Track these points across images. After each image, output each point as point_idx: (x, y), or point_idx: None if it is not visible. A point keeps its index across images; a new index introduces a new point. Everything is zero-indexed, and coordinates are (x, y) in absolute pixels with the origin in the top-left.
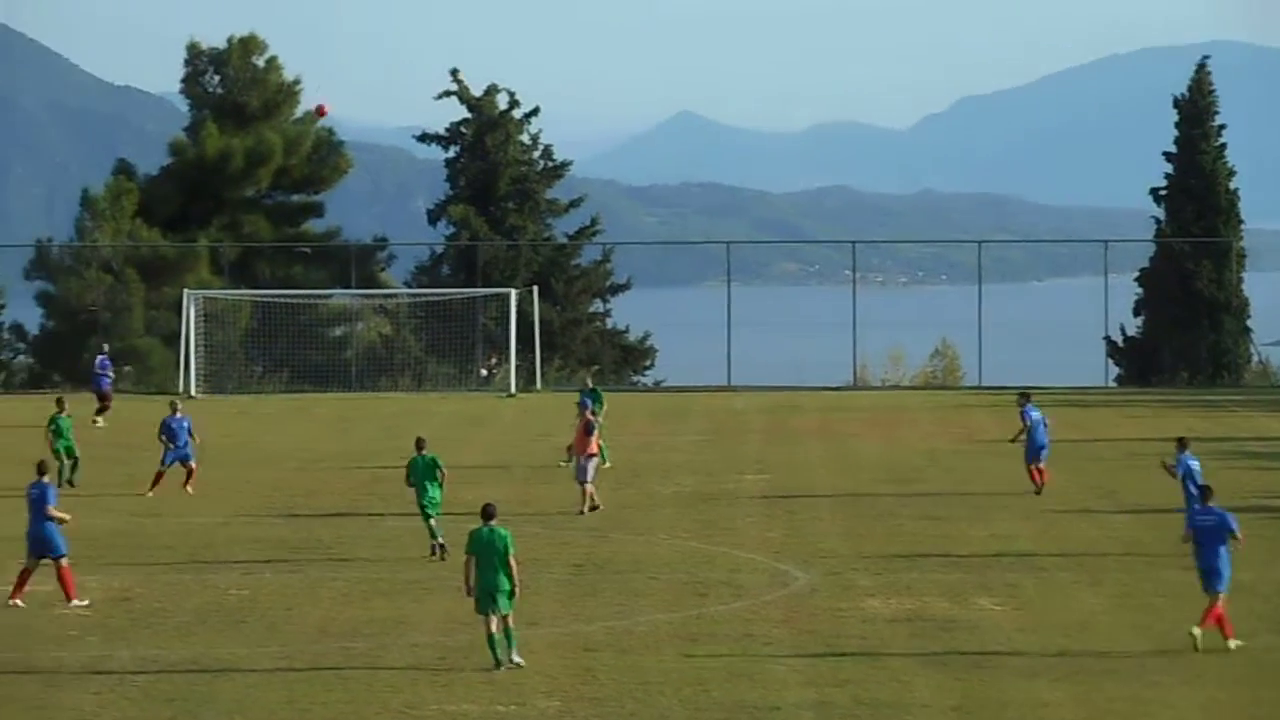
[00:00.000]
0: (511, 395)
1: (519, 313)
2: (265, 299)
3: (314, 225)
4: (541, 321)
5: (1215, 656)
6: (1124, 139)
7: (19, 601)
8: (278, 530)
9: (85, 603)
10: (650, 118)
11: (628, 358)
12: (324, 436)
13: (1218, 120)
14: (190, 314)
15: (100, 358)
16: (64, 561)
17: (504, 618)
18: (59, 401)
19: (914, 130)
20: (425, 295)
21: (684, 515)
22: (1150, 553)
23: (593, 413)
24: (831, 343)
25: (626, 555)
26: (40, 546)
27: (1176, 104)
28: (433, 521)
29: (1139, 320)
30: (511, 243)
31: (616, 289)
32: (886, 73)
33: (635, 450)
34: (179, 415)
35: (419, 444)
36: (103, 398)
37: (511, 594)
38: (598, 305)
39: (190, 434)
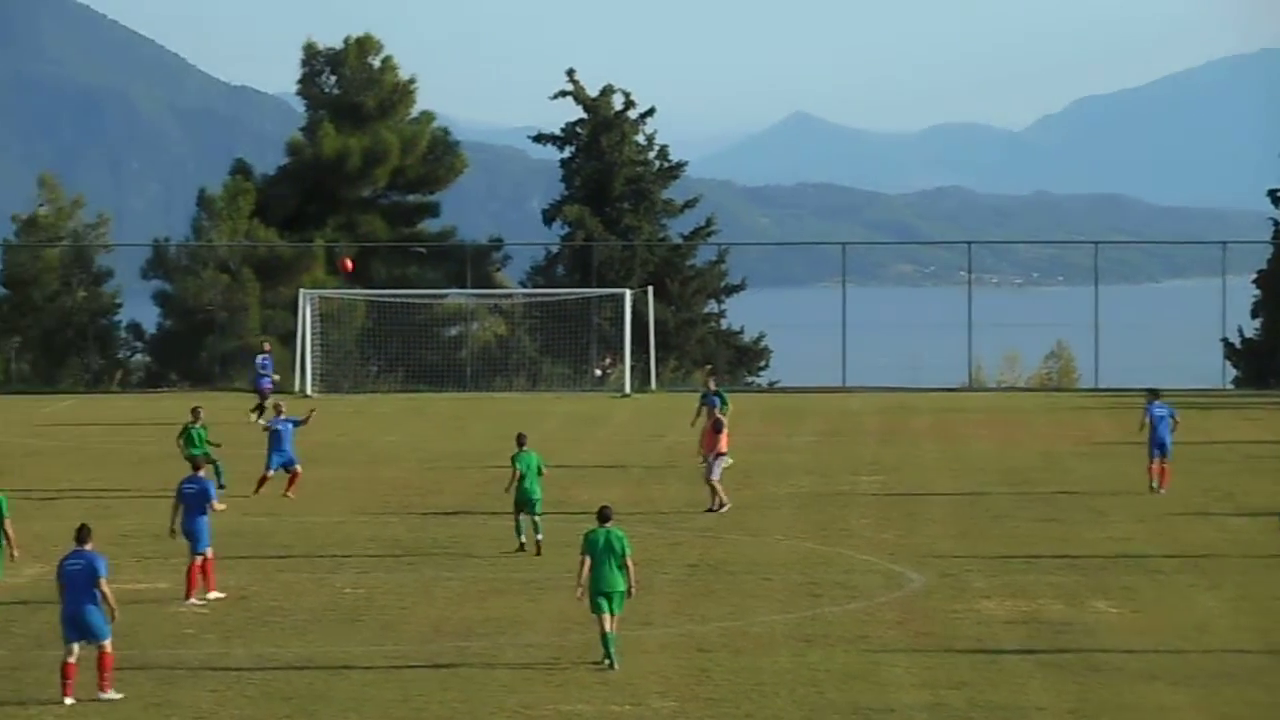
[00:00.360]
0: (626, 395)
1: (633, 313)
2: (381, 299)
3: (429, 225)
4: (656, 322)
5: None
6: (1242, 140)
7: (198, 600)
8: (393, 529)
9: (208, 597)
10: (765, 118)
11: (742, 358)
12: (439, 436)
13: None
14: (306, 313)
15: (261, 357)
16: (200, 560)
17: (609, 619)
18: (194, 411)
19: (1030, 130)
20: (540, 295)
21: (799, 516)
22: (1268, 555)
23: (721, 413)
24: (946, 344)
25: (741, 556)
26: (194, 540)
27: None
28: (532, 517)
29: (1257, 322)
30: (626, 243)
31: (731, 289)
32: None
33: (750, 451)
34: (283, 418)
35: (520, 440)
36: (262, 396)
37: (626, 595)
38: (712, 306)
39: (299, 423)
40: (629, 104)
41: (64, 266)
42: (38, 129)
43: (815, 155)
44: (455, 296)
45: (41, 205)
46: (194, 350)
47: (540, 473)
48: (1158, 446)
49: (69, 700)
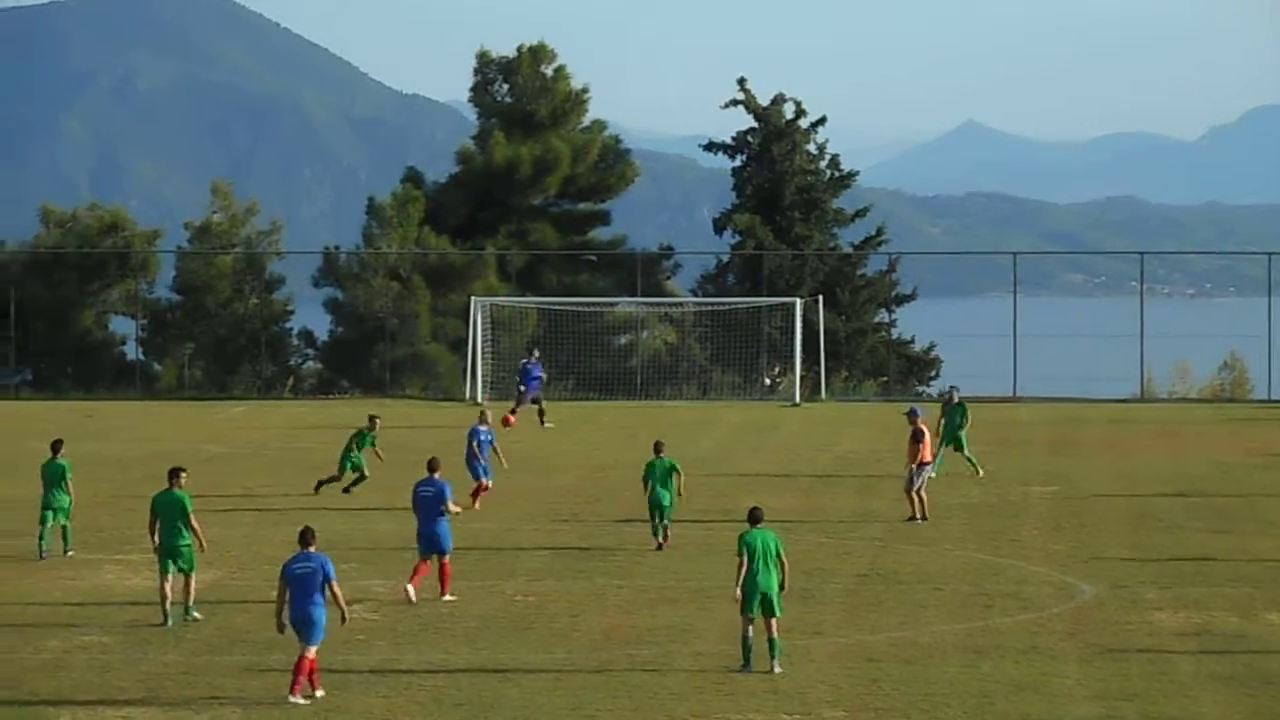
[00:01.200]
0: (796, 405)
1: (804, 322)
2: (551, 306)
3: (600, 233)
4: (826, 331)
5: None
6: None
7: (411, 589)
8: (563, 537)
9: (453, 598)
10: (936, 127)
11: (913, 368)
12: (609, 444)
13: None
14: (477, 321)
15: (526, 361)
16: (448, 559)
17: (771, 622)
18: (371, 419)
19: (1202, 141)
20: (710, 304)
21: (969, 526)
22: None
23: (927, 423)
24: (1117, 355)
25: (911, 566)
26: (432, 544)
27: None
28: (663, 521)
29: None
30: (797, 252)
31: (902, 299)
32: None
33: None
34: (485, 427)
35: (657, 447)
36: (520, 400)
37: (782, 590)
38: (883, 315)
39: (492, 446)
40: (800, 113)
41: (236, 273)
42: (211, 137)
43: (986, 164)
44: (625, 305)
45: (215, 212)
46: (365, 357)
47: (671, 476)
48: None
49: (320, 692)
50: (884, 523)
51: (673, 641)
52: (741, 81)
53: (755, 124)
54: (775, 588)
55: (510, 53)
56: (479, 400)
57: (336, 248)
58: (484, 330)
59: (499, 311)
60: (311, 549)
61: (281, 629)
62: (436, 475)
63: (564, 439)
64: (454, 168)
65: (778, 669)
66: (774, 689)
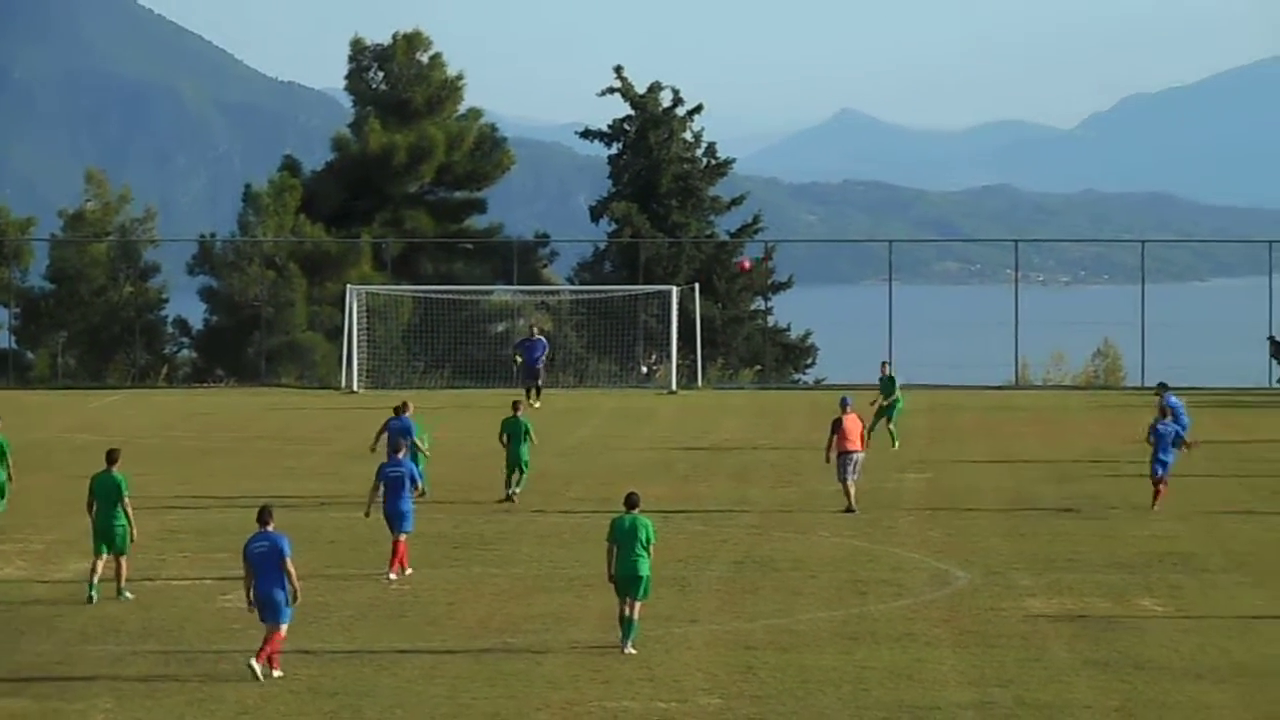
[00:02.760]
0: (672, 393)
1: (680, 310)
2: (427, 294)
3: (476, 221)
4: (703, 319)
5: None
6: None
7: (394, 576)
8: (439, 525)
9: (407, 572)
10: (813, 115)
11: (789, 356)
12: (486, 432)
13: None
14: (353, 309)
15: (528, 340)
16: (404, 539)
17: (635, 605)
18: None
19: (1078, 129)
20: (587, 292)
21: (845, 514)
22: None
23: (857, 414)
24: (993, 342)
25: (788, 553)
26: (392, 522)
27: None
28: (522, 476)
29: None
30: (673, 240)
31: (778, 287)
32: (1051, 72)
33: (796, 449)
34: (406, 416)
35: (515, 406)
36: (534, 377)
37: (647, 582)
38: (759, 303)
39: (412, 438)
40: (677, 101)
41: (111, 261)
42: (84, 124)
43: (862, 152)
44: (501, 292)
45: (88, 200)
46: (240, 346)
47: (527, 436)
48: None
49: (278, 673)
50: (760, 510)
51: (548, 630)
52: (618, 69)
53: (632, 112)
54: (643, 571)
55: (385, 40)
56: (355, 388)
57: (212, 235)
58: (360, 318)
59: (375, 300)
60: (269, 528)
61: (251, 608)
62: (402, 455)
63: (440, 427)
64: (330, 155)
65: (630, 649)
66: (650, 676)
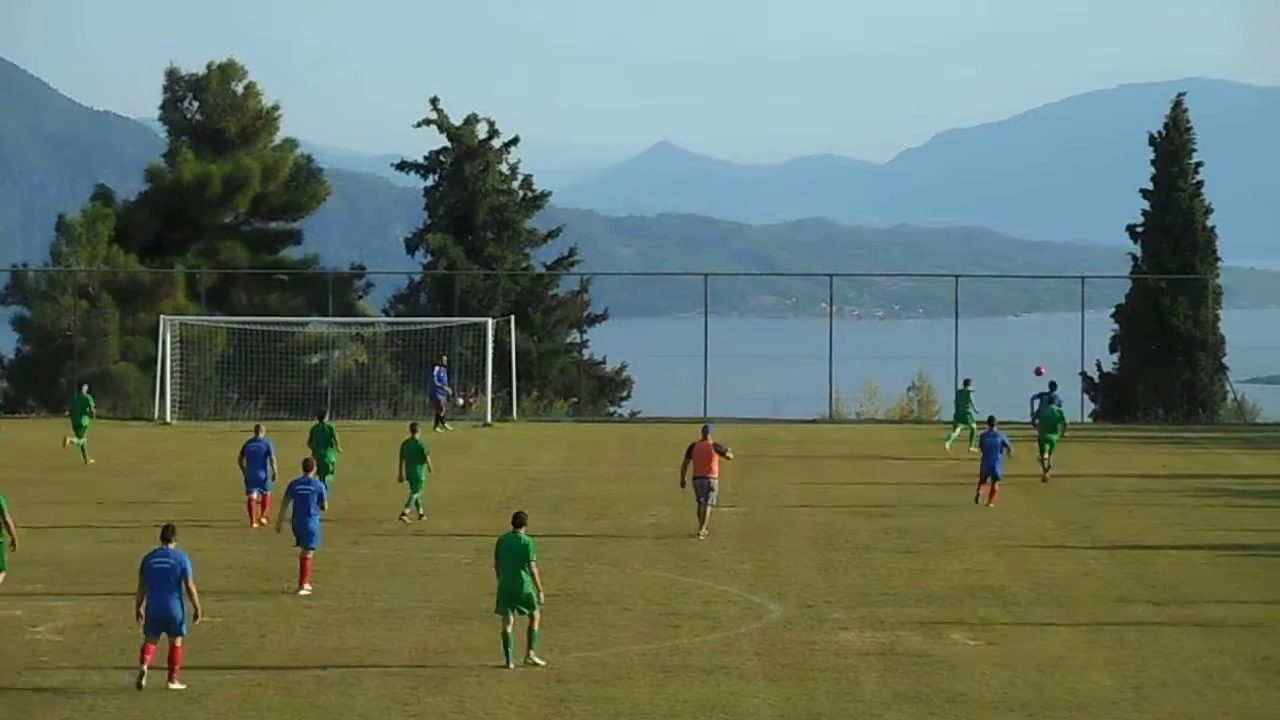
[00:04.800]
0: (487, 425)
1: (496, 342)
2: (241, 325)
3: (291, 252)
4: (518, 351)
5: (1192, 693)
6: (1103, 175)
7: (305, 590)
8: (252, 557)
9: (308, 590)
10: (629, 149)
11: (604, 388)
12: (298, 464)
13: (1195, 157)
14: (166, 340)
15: (438, 369)
16: (311, 554)
17: (529, 618)
18: (412, 427)
19: (893, 164)
20: (402, 324)
21: (659, 547)
22: (1124, 588)
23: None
24: (807, 376)
25: (601, 586)
26: (300, 539)
27: (1153, 141)
28: (417, 496)
29: (1115, 357)
30: (489, 272)
31: (594, 319)
32: (865, 107)
33: (610, 482)
34: (263, 438)
35: (413, 428)
36: (438, 407)
37: (534, 596)
38: (575, 336)
39: (272, 457)
40: (493, 133)
41: None
42: None
43: (679, 186)
44: (316, 324)
45: None
46: (53, 376)
47: (423, 458)
48: (989, 473)
49: (178, 685)
50: (575, 542)
51: (360, 662)
52: (434, 101)
53: (448, 144)
54: (527, 588)
55: (200, 70)
56: (168, 419)
57: (24, 265)
58: (173, 349)
59: (188, 331)
60: (171, 545)
61: (140, 619)
62: (312, 475)
63: None
64: (144, 185)
65: (536, 659)
66: (462, 709)
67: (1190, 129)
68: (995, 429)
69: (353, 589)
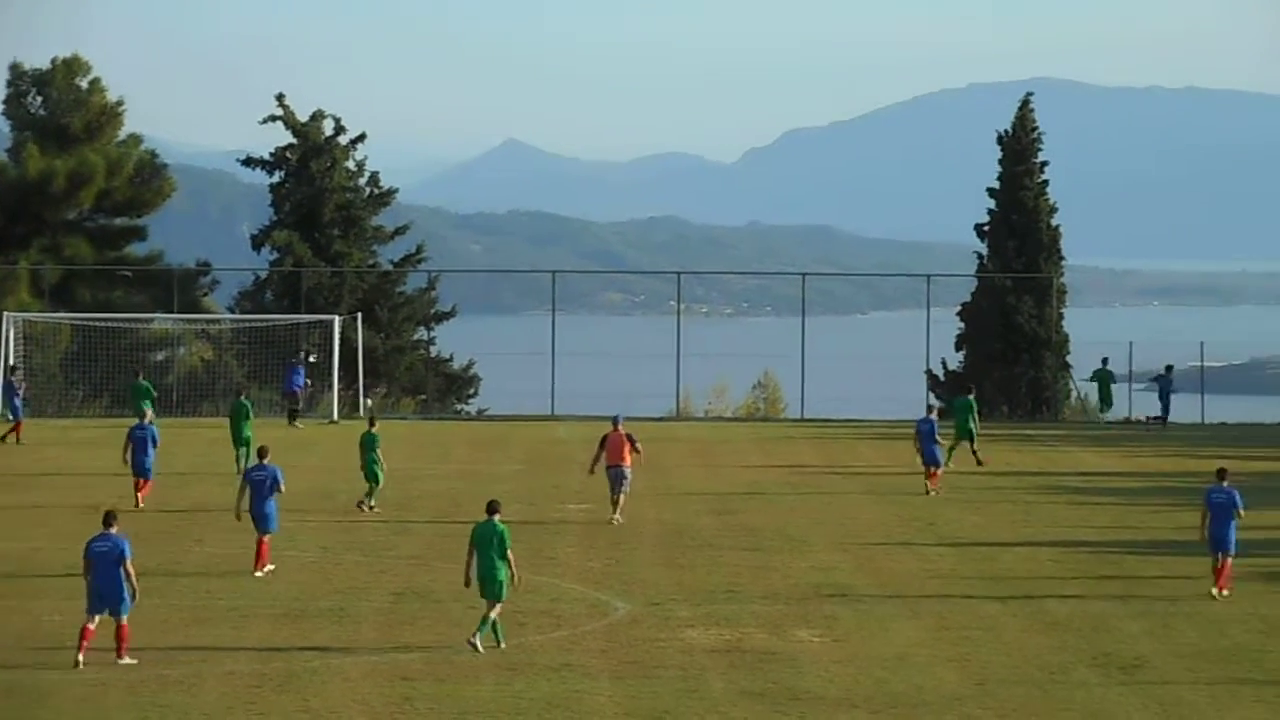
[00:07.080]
0: (334, 422)
1: (342, 340)
2: (86, 322)
3: (136, 249)
4: (365, 349)
5: (1035, 689)
6: (950, 174)
7: (260, 573)
8: None
9: (270, 569)
10: (477, 145)
11: (451, 386)
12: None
13: (1041, 157)
14: (9, 337)
15: (296, 366)
16: (268, 538)
17: (493, 605)
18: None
19: (740, 163)
20: (248, 321)
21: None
22: (968, 585)
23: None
24: (655, 373)
25: (447, 584)
26: (259, 523)
27: (1000, 140)
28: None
29: (960, 354)
30: (336, 269)
31: (441, 317)
32: (712, 106)
33: (457, 479)
34: (147, 424)
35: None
36: (293, 401)
37: (508, 582)
38: (422, 333)
39: (156, 444)
40: (339, 130)
41: None
42: None
43: (527, 183)
44: (162, 321)
45: None
46: None
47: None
48: (930, 461)
49: (81, 660)
50: (422, 539)
51: (205, 661)
52: (280, 97)
53: (294, 140)
54: (500, 575)
55: (44, 65)
56: (10, 416)
57: None
58: (16, 346)
59: (32, 327)
60: (112, 530)
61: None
62: (266, 461)
63: (96, 457)
64: None
65: (479, 645)
66: (305, 708)
67: (1037, 129)
68: (931, 417)
69: (197, 588)
